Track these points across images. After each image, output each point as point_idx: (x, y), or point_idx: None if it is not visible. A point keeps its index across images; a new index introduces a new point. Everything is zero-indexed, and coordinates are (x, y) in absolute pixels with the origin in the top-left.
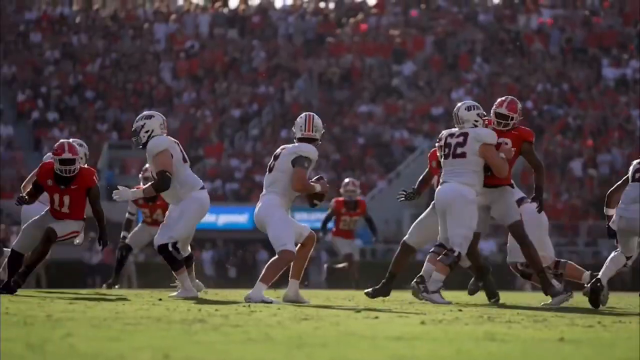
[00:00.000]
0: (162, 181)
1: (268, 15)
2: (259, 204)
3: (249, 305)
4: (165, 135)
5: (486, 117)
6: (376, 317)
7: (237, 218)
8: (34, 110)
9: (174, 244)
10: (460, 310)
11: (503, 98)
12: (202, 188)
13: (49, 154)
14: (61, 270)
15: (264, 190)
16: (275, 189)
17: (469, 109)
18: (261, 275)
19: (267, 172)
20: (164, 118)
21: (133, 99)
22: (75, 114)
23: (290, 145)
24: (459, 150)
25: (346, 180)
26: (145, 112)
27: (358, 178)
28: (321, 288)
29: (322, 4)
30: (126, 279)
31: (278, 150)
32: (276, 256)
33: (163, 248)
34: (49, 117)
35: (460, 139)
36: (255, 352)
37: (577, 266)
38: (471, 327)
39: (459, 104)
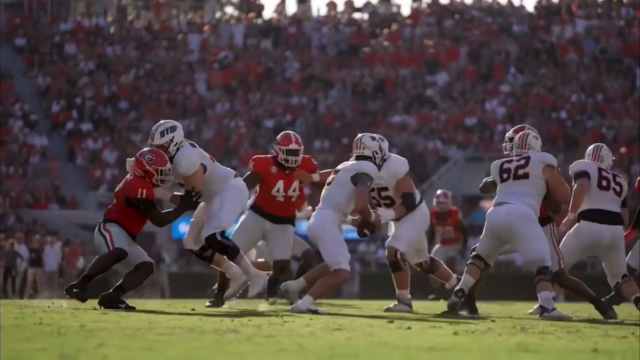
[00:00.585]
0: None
1: (302, 25)
2: (313, 217)
3: (282, 316)
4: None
5: None
6: (409, 328)
7: None
8: (69, 120)
9: (222, 233)
10: (493, 321)
11: None
12: (236, 176)
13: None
14: (95, 280)
15: (320, 203)
16: (331, 203)
17: (536, 137)
18: (312, 289)
19: (326, 185)
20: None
21: (167, 109)
22: (110, 124)
23: (350, 163)
24: (520, 172)
25: (438, 192)
26: (167, 123)
27: None
28: (353, 298)
29: (355, 15)
30: (159, 289)
31: (339, 166)
32: (330, 273)
33: (212, 239)
34: (83, 128)
35: (522, 161)
36: None
37: (447, 269)
38: (504, 338)
39: (526, 131)
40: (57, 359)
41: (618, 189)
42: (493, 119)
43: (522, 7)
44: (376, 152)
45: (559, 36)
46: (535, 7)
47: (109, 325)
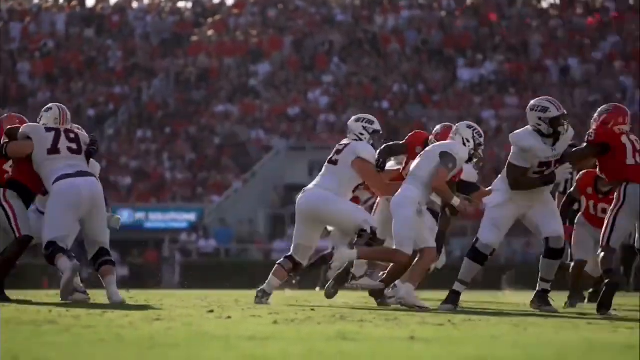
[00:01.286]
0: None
1: (125, 14)
2: (399, 190)
3: (101, 307)
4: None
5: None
6: (229, 317)
7: None
8: None
9: (49, 245)
10: (313, 310)
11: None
12: (59, 179)
13: None
14: None
15: (408, 176)
16: (414, 176)
17: (357, 120)
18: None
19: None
20: (62, 109)
21: None
22: None
23: (446, 142)
24: (334, 158)
25: None
26: (49, 105)
27: (214, 178)
28: (174, 288)
29: (180, 4)
30: None
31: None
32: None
33: (45, 255)
34: None
35: (341, 147)
36: (106, 352)
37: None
38: (323, 327)
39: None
40: None
41: None
42: (316, 108)
43: None
44: (467, 140)
45: (382, 26)
46: None
47: None
